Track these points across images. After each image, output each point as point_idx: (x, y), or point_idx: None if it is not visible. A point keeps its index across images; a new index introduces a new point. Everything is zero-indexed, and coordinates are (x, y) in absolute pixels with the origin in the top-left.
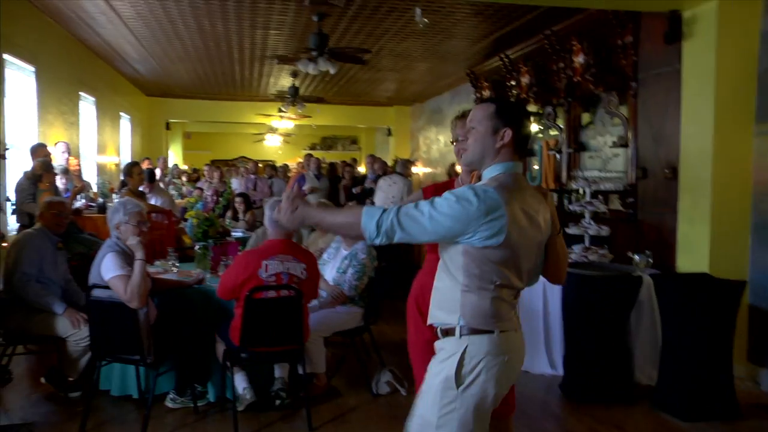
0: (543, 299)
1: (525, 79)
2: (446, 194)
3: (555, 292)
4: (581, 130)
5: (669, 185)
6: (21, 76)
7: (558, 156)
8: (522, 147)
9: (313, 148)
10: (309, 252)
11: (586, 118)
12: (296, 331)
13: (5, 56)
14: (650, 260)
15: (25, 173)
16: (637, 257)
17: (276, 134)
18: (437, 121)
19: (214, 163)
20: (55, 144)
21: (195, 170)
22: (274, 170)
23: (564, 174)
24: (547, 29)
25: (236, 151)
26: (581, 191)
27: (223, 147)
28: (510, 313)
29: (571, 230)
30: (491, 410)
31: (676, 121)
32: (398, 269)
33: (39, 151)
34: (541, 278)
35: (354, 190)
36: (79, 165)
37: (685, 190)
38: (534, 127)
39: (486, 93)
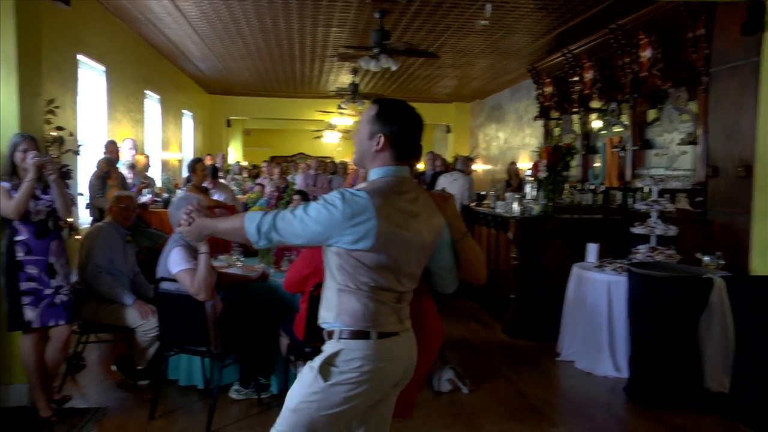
0: (607, 299)
1: (588, 75)
2: (320, 198)
3: (620, 292)
4: (647, 127)
5: (742, 184)
6: (92, 75)
7: (622, 153)
8: (403, 151)
9: None
10: None
11: (652, 114)
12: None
13: (79, 57)
14: (721, 262)
15: (96, 169)
16: (706, 258)
17: (334, 131)
18: (497, 118)
19: (274, 160)
20: (123, 141)
21: (255, 166)
22: (334, 167)
23: (628, 172)
24: (612, 23)
25: (295, 148)
26: (646, 190)
27: (282, 143)
28: (391, 316)
29: (637, 229)
30: (358, 412)
31: (752, 117)
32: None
33: (107, 148)
34: (606, 278)
35: None
36: (148, 161)
37: (760, 190)
38: (597, 124)
39: (548, 89)
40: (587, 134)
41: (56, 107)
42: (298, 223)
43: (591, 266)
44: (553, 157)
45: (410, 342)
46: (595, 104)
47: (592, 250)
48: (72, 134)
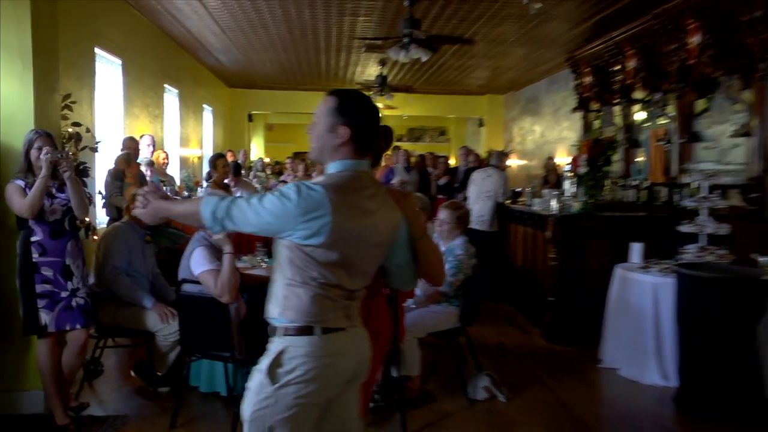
0: (653, 302)
1: (631, 63)
2: (276, 190)
3: (667, 294)
4: (695, 118)
5: None
6: (109, 69)
7: (667, 147)
8: (365, 144)
9: (399, 140)
10: None
11: (700, 105)
12: (393, 332)
13: (96, 50)
14: None
15: (111, 167)
16: (763, 259)
17: None
18: (533, 111)
19: (297, 156)
20: (141, 137)
21: (277, 163)
22: None
23: (674, 167)
24: (657, 8)
25: None
26: (695, 185)
27: (305, 139)
28: (337, 312)
29: (685, 228)
30: (315, 412)
31: None
32: (494, 268)
33: (126, 144)
34: (652, 280)
35: (440, 182)
36: (167, 159)
37: None
38: (640, 116)
39: (587, 80)
40: (629, 127)
41: (73, 102)
42: (252, 213)
43: (635, 267)
44: (594, 151)
45: (359, 338)
46: (638, 95)
47: (636, 250)
48: (89, 130)
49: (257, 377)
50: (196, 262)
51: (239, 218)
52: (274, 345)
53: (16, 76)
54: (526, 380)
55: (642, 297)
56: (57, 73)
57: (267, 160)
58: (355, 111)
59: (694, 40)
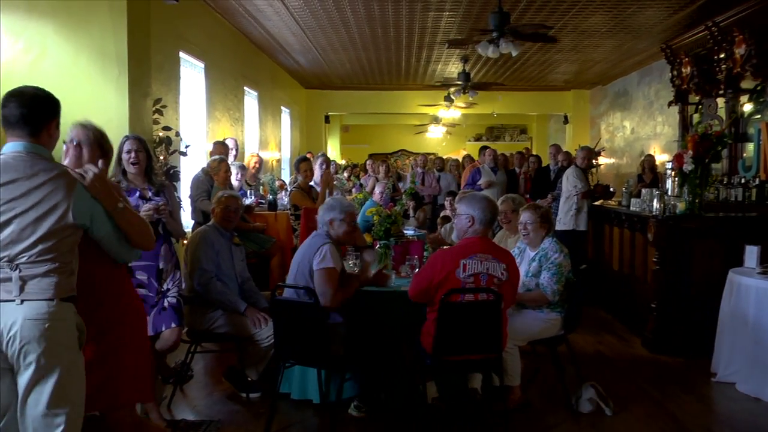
0: None
1: (740, 50)
2: None
3: None
4: None
5: None
6: (192, 72)
7: None
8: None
9: (478, 139)
10: (508, 251)
11: None
12: (494, 339)
13: (181, 54)
14: None
15: (201, 170)
16: None
17: (439, 125)
18: (622, 105)
19: (373, 157)
20: (224, 140)
21: (355, 165)
22: (441, 163)
23: None
24: None
25: (396, 144)
26: None
27: (381, 140)
28: None
29: None
30: None
31: None
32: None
33: (216, 149)
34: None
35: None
36: (258, 163)
37: None
38: (748, 107)
39: (686, 70)
40: (736, 120)
41: (163, 107)
42: None
43: (752, 272)
44: (701, 147)
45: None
46: (747, 84)
47: (751, 253)
48: (178, 134)
49: None
50: (323, 258)
51: None
52: None
53: (112, 82)
54: (631, 393)
55: (762, 305)
56: (149, 78)
57: (342, 162)
58: None
59: None
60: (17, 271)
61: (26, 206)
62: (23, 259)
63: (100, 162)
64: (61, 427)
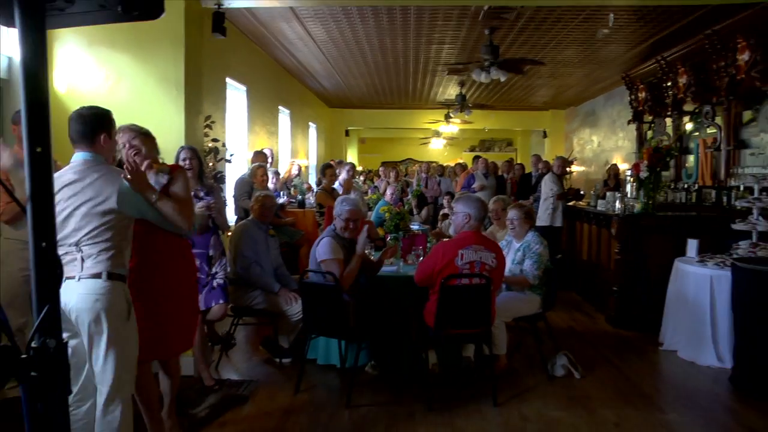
0: (710, 292)
1: (682, 80)
2: None
3: (722, 285)
4: (742, 127)
5: None
6: (236, 94)
7: (716, 154)
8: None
9: (472, 149)
10: (497, 243)
11: (747, 115)
12: (485, 315)
13: (227, 79)
14: None
15: (245, 174)
16: None
17: (440, 138)
18: (591, 123)
19: (385, 164)
20: (262, 149)
21: (369, 171)
22: (442, 170)
23: (722, 171)
24: (707, 29)
25: (404, 154)
26: (743, 188)
27: (392, 150)
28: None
29: (738, 226)
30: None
31: None
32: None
33: (258, 157)
34: (709, 272)
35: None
36: (295, 171)
37: None
38: (689, 126)
39: (641, 95)
40: (680, 136)
41: (212, 122)
42: None
43: (692, 260)
44: (654, 158)
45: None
46: (688, 107)
47: (692, 245)
48: (224, 145)
49: None
50: (323, 250)
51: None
52: None
53: (172, 102)
54: (596, 360)
55: (699, 287)
56: (201, 98)
57: (359, 168)
58: None
59: (744, 57)
60: (80, 252)
61: (83, 199)
62: (84, 242)
63: (144, 163)
64: (112, 378)
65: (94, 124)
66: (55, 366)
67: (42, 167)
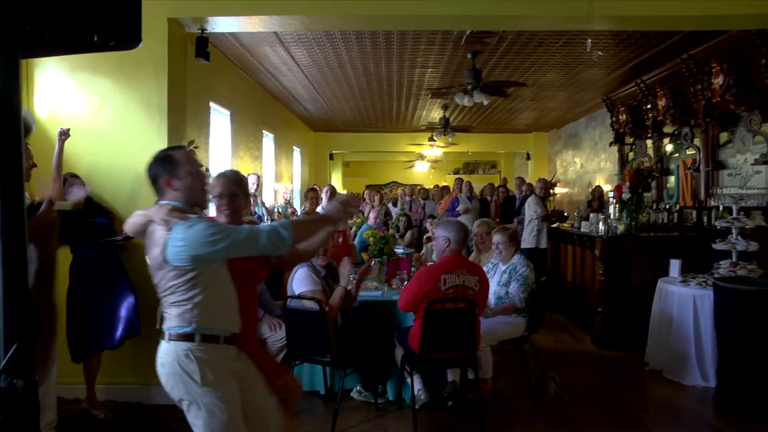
0: (693, 312)
1: (661, 103)
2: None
3: (705, 305)
4: (719, 148)
5: None
6: (219, 118)
7: (695, 175)
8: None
9: (456, 172)
10: (479, 266)
11: (724, 137)
12: (470, 339)
13: (210, 104)
14: None
15: None
16: None
17: (425, 161)
18: (573, 145)
19: (369, 188)
20: (248, 175)
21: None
22: (426, 193)
23: (702, 192)
24: (684, 54)
25: (388, 177)
26: (722, 208)
27: (376, 173)
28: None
29: (718, 246)
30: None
31: None
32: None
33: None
34: (692, 292)
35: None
36: (256, 183)
37: None
38: (669, 147)
39: (622, 117)
40: (661, 157)
41: (196, 147)
42: None
43: (675, 281)
44: (636, 179)
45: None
46: (668, 129)
47: (674, 265)
48: (208, 170)
49: None
50: (299, 282)
51: None
52: None
53: (155, 127)
54: (583, 381)
55: (683, 307)
56: (185, 123)
57: (344, 192)
58: None
59: (718, 81)
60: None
61: (150, 249)
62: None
63: None
64: None
65: (152, 173)
66: (23, 408)
67: (13, 200)
